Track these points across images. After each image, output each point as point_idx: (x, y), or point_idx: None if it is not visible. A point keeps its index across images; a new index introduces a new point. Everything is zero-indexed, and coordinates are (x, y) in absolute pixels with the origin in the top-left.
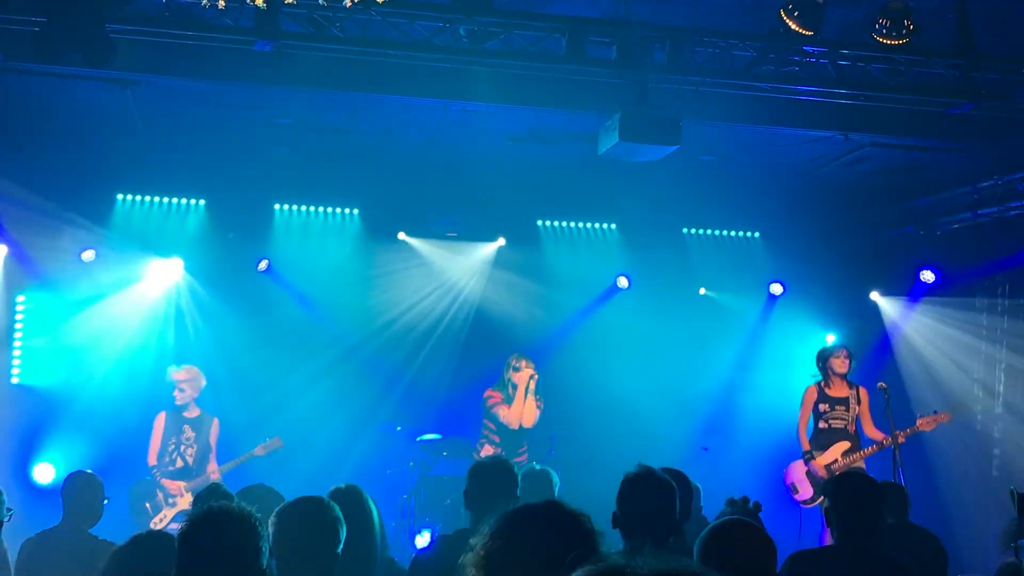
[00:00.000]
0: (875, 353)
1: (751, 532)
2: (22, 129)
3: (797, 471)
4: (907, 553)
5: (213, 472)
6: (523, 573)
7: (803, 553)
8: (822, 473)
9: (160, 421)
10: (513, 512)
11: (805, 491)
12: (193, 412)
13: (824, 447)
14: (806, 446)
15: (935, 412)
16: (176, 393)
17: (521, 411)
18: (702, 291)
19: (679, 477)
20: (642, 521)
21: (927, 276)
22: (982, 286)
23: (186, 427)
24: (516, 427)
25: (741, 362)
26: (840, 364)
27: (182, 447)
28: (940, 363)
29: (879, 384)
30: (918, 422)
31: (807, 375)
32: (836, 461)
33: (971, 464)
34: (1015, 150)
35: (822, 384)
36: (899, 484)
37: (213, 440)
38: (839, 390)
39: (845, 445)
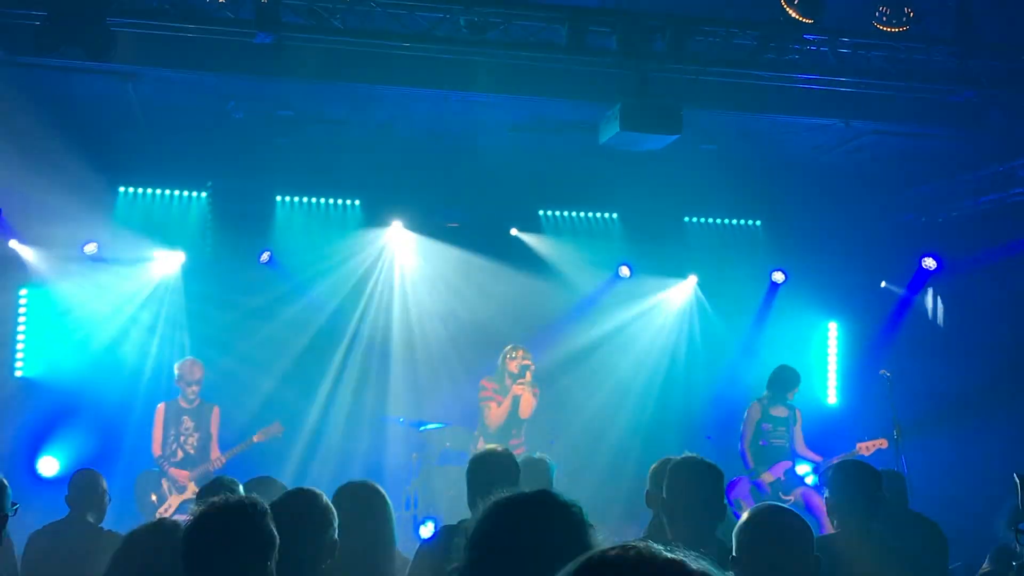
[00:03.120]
0: (877, 341)
1: (789, 517)
2: (23, 122)
3: (742, 488)
4: (907, 540)
5: (216, 459)
6: (509, 560)
7: None
8: (768, 490)
9: (160, 412)
10: (503, 499)
11: (750, 507)
12: (193, 402)
13: (767, 464)
14: (751, 463)
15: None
16: (184, 386)
17: (505, 416)
18: (692, 277)
19: None
20: (689, 507)
21: (929, 263)
22: (984, 273)
23: (185, 417)
24: (495, 431)
25: (743, 351)
26: (792, 395)
27: (182, 438)
28: (939, 351)
29: (882, 371)
30: (857, 446)
31: (809, 363)
32: (780, 479)
33: (973, 453)
34: (1015, 137)
35: (765, 402)
36: (899, 472)
37: (214, 428)
38: (780, 410)
39: (787, 464)
